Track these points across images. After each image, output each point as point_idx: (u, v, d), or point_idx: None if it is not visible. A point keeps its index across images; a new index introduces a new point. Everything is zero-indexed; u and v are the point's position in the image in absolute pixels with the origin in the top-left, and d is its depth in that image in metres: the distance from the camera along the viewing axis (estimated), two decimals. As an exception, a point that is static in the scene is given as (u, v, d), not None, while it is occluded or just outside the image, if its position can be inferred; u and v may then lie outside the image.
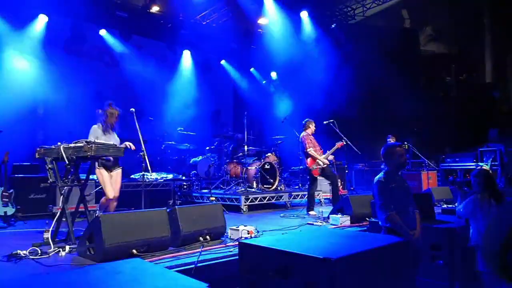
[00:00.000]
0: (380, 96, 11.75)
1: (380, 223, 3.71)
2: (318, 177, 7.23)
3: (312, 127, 7.24)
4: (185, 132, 9.80)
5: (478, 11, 12.05)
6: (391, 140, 8.85)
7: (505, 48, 11.85)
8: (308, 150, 7.00)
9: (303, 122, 7.31)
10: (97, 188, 6.17)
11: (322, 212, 6.35)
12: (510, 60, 11.95)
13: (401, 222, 3.46)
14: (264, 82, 13.79)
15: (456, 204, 5.28)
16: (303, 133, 7.19)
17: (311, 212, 6.79)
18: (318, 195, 8.79)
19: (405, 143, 9.01)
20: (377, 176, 3.73)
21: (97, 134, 4.85)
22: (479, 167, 5.87)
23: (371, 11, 12.62)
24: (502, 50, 12.03)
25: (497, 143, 9.78)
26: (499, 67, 12.33)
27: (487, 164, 8.92)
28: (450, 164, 10.12)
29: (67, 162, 4.04)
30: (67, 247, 3.83)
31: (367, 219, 5.39)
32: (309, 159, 7.04)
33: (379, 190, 3.63)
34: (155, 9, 10.83)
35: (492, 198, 3.71)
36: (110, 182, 4.87)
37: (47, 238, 3.98)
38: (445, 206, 6.31)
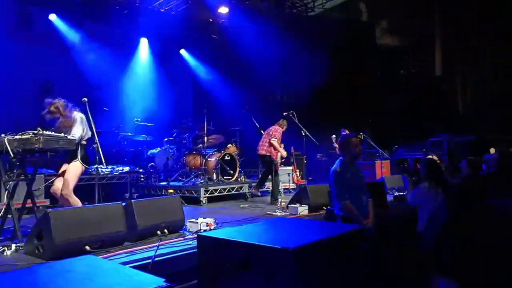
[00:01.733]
0: (337, 87, 12.02)
1: (335, 211, 3.82)
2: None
3: (285, 127, 7.60)
4: (142, 123, 9.51)
5: (430, 4, 12.58)
6: (345, 132, 9.11)
7: (454, 42, 12.50)
8: (273, 139, 7.24)
9: (282, 118, 7.67)
10: (47, 183, 5.85)
11: (281, 201, 6.44)
12: (458, 54, 12.62)
13: (355, 210, 3.59)
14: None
15: (406, 192, 5.55)
16: (277, 126, 7.50)
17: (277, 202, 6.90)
18: (278, 185, 8.91)
19: (361, 134, 9.31)
20: (333, 166, 3.83)
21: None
22: (428, 157, 6.20)
23: (331, 4, 12.83)
24: (451, 44, 12.68)
25: (445, 134, 10.37)
26: (448, 60, 13.00)
27: (435, 154, 9.44)
28: (402, 154, 10.62)
29: (12, 155, 3.77)
30: (13, 246, 3.60)
31: (324, 208, 5.54)
32: (274, 150, 7.27)
33: (335, 179, 3.73)
34: (110, -6, 10.34)
35: (439, 186, 3.91)
36: (60, 178, 4.61)
37: (-9, 237, 3.73)
38: (396, 193, 6.61)
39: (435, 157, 5.97)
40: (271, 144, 7.29)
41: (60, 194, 4.56)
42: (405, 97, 12.61)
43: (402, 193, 6.40)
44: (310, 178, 10.29)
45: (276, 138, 7.32)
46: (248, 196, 8.09)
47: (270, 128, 7.55)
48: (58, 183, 4.61)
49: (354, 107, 12.06)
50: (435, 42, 13.19)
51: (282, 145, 7.69)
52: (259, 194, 7.59)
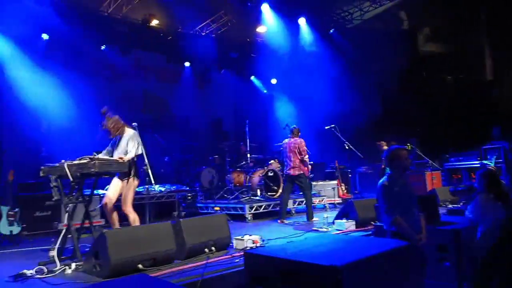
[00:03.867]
0: (381, 98, 11.75)
1: (385, 227, 3.69)
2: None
3: (299, 134, 7.16)
4: (188, 143, 9.84)
5: (475, 8, 12.06)
6: (384, 147, 8.78)
7: (503, 44, 11.84)
8: (306, 156, 6.90)
9: (293, 127, 7.15)
10: (102, 203, 6.18)
11: (327, 217, 6.33)
12: (509, 57, 11.92)
13: (406, 225, 3.45)
14: (265, 91, 13.84)
15: (450, 205, 5.21)
16: (297, 139, 7.01)
17: (315, 219, 6.76)
18: (322, 200, 8.78)
19: (408, 144, 8.98)
20: (381, 180, 3.72)
21: (107, 149, 4.92)
22: (487, 166, 5.84)
23: (369, 14, 12.65)
24: (500, 46, 12.02)
25: (500, 141, 9.72)
26: (498, 64, 12.30)
27: (491, 162, 8.87)
28: (453, 164, 10.05)
29: (71, 179, 4.05)
30: (73, 265, 3.83)
31: (372, 223, 5.37)
32: (305, 167, 6.94)
33: (383, 194, 3.62)
34: (154, 22, 10.95)
35: (498, 199, 3.66)
36: (113, 189, 4.83)
37: (53, 256, 3.97)
38: (450, 206, 6.27)
39: (491, 167, 5.61)
40: (303, 162, 6.87)
41: (111, 206, 4.78)
42: (454, 104, 12.05)
43: (456, 206, 6.06)
44: (356, 192, 10.04)
45: (307, 155, 6.91)
46: (293, 212, 8.03)
47: (291, 143, 6.93)
48: (109, 194, 4.82)
49: (400, 117, 11.68)
50: (484, 46, 12.57)
51: None
52: (286, 221, 6.87)
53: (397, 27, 13.88)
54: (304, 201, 7.14)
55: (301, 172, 6.85)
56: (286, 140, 7.14)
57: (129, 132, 4.96)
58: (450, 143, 11.08)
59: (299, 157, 6.86)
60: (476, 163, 9.40)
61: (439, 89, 12.49)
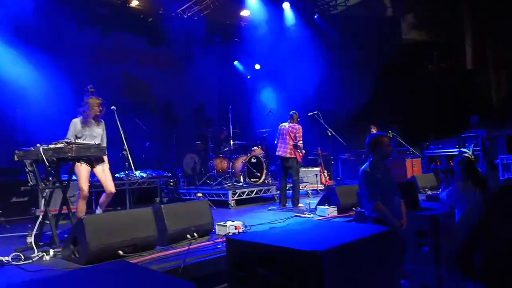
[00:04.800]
0: (364, 85, 11.80)
1: (366, 213, 3.74)
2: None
3: (298, 120, 7.23)
4: (170, 128, 9.70)
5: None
6: (373, 130, 8.93)
7: (485, 34, 12.01)
8: (300, 141, 6.95)
9: (293, 113, 7.20)
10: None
11: (309, 203, 6.38)
12: (490, 47, 12.11)
13: (387, 211, 3.49)
14: (249, 77, 13.72)
15: (439, 191, 5.35)
16: (296, 124, 7.09)
17: (300, 205, 6.79)
18: (305, 186, 8.85)
19: (390, 131, 9.09)
20: (363, 166, 3.75)
21: (76, 128, 4.71)
22: (463, 154, 5.97)
23: (353, 1, 12.61)
24: (482, 36, 12.19)
25: (479, 129, 9.95)
26: (479, 53, 12.50)
27: (469, 150, 9.09)
28: (433, 151, 10.27)
29: (47, 164, 3.93)
30: (51, 251, 3.75)
31: (353, 209, 5.44)
32: (298, 152, 6.99)
33: (365, 180, 3.65)
34: (134, 3, 10.62)
35: (476, 186, 3.75)
36: (99, 176, 4.77)
37: (30, 243, 3.88)
38: (429, 192, 6.41)
39: (468, 154, 5.73)
40: (296, 146, 6.98)
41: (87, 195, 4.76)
42: (435, 92, 12.22)
43: (435, 192, 6.19)
44: (338, 179, 10.16)
45: (301, 140, 6.99)
46: (276, 198, 8.06)
47: (289, 127, 7.06)
48: (86, 186, 4.76)
49: (382, 104, 11.80)
50: (465, 34, 12.72)
51: None
52: (287, 205, 7.02)
53: (381, 14, 13.90)
54: (292, 187, 7.18)
55: (293, 156, 6.94)
56: (285, 124, 7.18)
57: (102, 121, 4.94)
58: (430, 131, 11.27)
59: (293, 142, 6.95)
60: (454, 151, 9.62)
61: (421, 77, 12.63)
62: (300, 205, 6.77)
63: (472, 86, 12.19)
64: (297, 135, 6.96)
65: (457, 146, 9.72)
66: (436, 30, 12.96)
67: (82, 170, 4.67)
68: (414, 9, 13.24)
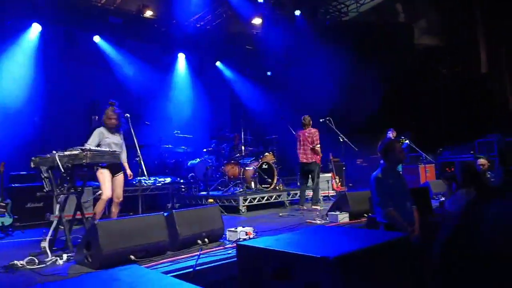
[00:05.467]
0: (376, 91, 11.74)
1: (378, 219, 3.70)
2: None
3: (311, 123, 7.48)
4: (181, 135, 9.78)
5: (470, 1, 12.03)
6: (392, 135, 8.87)
7: (499, 38, 11.85)
8: (318, 145, 7.22)
9: (305, 118, 7.46)
10: (95, 195, 6.14)
11: (321, 209, 6.34)
12: (504, 51, 11.94)
13: (399, 217, 3.46)
14: (261, 83, 13.77)
15: (444, 199, 5.27)
16: (313, 129, 7.37)
17: (319, 206, 6.92)
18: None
19: (403, 137, 9.00)
20: (375, 172, 3.73)
21: (101, 136, 4.90)
22: (478, 160, 5.86)
23: (365, 7, 12.60)
24: (495, 40, 12.03)
25: (494, 134, 9.78)
26: (493, 58, 12.33)
27: (484, 156, 8.91)
28: (447, 157, 10.12)
29: (62, 170, 4.01)
30: (65, 256, 3.80)
31: (365, 215, 5.39)
32: (317, 156, 7.28)
33: (377, 186, 3.63)
34: (148, 13, 10.80)
35: (477, 192, 3.69)
36: (111, 182, 4.88)
37: (44, 247, 3.95)
38: (443, 199, 6.30)
39: (483, 160, 5.63)
40: (315, 150, 7.24)
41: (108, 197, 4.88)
42: (449, 97, 12.07)
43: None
44: (350, 185, 10.07)
45: (319, 143, 7.26)
46: (287, 204, 8.03)
47: (306, 133, 7.36)
48: (110, 190, 4.90)
49: (395, 110, 11.70)
50: (478, 39, 12.57)
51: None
52: (306, 208, 7.30)
53: (393, 20, 13.85)
54: (313, 189, 7.45)
55: (314, 160, 7.27)
56: (302, 131, 7.46)
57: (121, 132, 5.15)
58: (444, 137, 11.12)
59: (311, 146, 7.23)
60: (469, 156, 9.46)
61: (434, 82, 12.50)
62: (318, 206, 6.84)
63: (486, 90, 12.00)
64: (314, 138, 7.25)
65: (472, 152, 9.56)
66: (448, 35, 12.84)
67: (105, 176, 4.82)
68: (426, 14, 13.15)
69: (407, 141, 8.84)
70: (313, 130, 7.34)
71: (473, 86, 12.04)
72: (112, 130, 5.00)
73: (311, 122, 7.48)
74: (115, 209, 5.00)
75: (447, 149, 10.42)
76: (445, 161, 10.13)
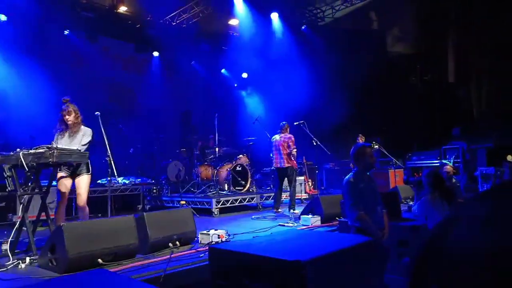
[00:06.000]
0: (348, 96, 11.98)
1: (349, 222, 3.76)
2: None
3: (288, 130, 7.49)
4: (154, 135, 9.60)
5: (442, 11, 12.48)
6: (360, 140, 9.04)
7: (467, 48, 12.36)
8: (294, 150, 7.21)
9: (283, 124, 7.49)
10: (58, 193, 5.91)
11: (293, 212, 6.38)
12: (472, 61, 12.45)
13: (370, 221, 3.52)
14: (236, 85, 13.76)
15: (412, 203, 5.44)
16: (288, 134, 7.37)
17: (297, 211, 6.85)
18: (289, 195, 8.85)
19: (374, 142, 9.22)
20: (347, 177, 3.78)
21: (56, 139, 4.64)
22: (445, 165, 6.08)
23: (340, 13, 12.83)
24: (464, 50, 12.54)
25: (459, 141, 10.17)
26: (461, 67, 12.84)
27: (450, 162, 9.26)
28: (415, 162, 10.44)
29: (26, 169, 3.83)
30: (27, 259, 3.63)
31: (337, 218, 5.47)
32: (293, 160, 7.26)
33: (349, 190, 3.68)
34: (122, 9, 10.55)
35: (443, 198, 3.82)
36: (65, 185, 4.60)
37: (6, 250, 3.76)
38: (411, 203, 6.48)
39: (449, 167, 5.84)
40: (290, 155, 7.23)
41: (65, 202, 4.62)
42: (418, 104, 12.47)
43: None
44: (322, 188, 10.21)
45: (295, 148, 7.26)
46: (260, 207, 8.04)
47: (281, 139, 7.33)
48: (66, 191, 4.62)
49: (366, 115, 11.97)
50: (447, 49, 13.07)
51: None
52: (281, 210, 7.30)
53: (367, 27, 14.19)
54: (289, 194, 7.47)
55: (289, 165, 7.25)
56: (277, 136, 7.46)
57: (85, 128, 4.77)
58: (413, 142, 11.47)
59: (287, 151, 7.22)
60: (436, 162, 9.80)
61: (404, 89, 12.89)
62: (296, 211, 6.84)
63: (454, 98, 12.49)
64: (290, 144, 7.24)
65: (439, 158, 9.91)
66: (420, 43, 13.27)
67: (61, 176, 4.60)
68: (399, 23, 13.55)
69: (376, 146, 9.06)
70: (288, 135, 7.34)
71: (441, 94, 12.49)
72: (63, 132, 4.65)
73: (288, 128, 7.48)
74: (80, 215, 4.75)
75: (415, 154, 10.75)
76: (413, 166, 10.45)
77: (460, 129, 11.06)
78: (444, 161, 9.56)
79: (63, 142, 4.60)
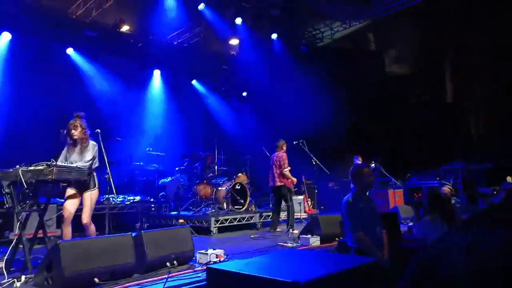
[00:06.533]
0: (348, 117, 12.06)
1: (349, 243, 3.73)
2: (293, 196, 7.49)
3: (285, 148, 7.46)
4: (154, 153, 9.61)
5: (440, 33, 12.70)
6: (359, 160, 9.05)
7: (465, 69, 12.51)
8: (286, 169, 7.16)
9: (278, 142, 7.47)
10: (59, 213, 5.88)
11: (292, 232, 6.33)
12: (470, 83, 12.59)
13: (369, 242, 3.50)
14: (236, 104, 13.88)
15: (411, 224, 5.40)
16: (281, 153, 7.33)
17: (295, 231, 6.77)
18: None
19: (373, 162, 9.22)
20: (345, 197, 3.78)
21: (63, 156, 4.64)
22: (445, 186, 6.07)
23: (339, 34, 13.05)
24: (462, 71, 12.70)
25: (458, 162, 10.19)
26: (459, 89, 12.97)
27: (449, 182, 9.25)
28: (415, 183, 10.42)
29: (25, 186, 3.82)
30: (23, 277, 3.58)
31: (336, 239, 5.42)
32: (287, 179, 7.19)
33: (348, 210, 3.67)
34: (125, 28, 10.73)
35: (443, 218, 3.80)
36: (68, 210, 4.53)
37: (1, 268, 3.72)
38: (411, 224, 6.44)
39: (448, 187, 5.84)
40: (284, 175, 7.19)
41: (71, 219, 4.54)
42: (417, 124, 12.54)
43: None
44: (322, 207, 10.15)
45: (287, 168, 7.22)
46: (259, 226, 7.98)
47: (275, 157, 7.35)
48: (70, 208, 4.54)
49: (365, 135, 12.02)
50: (446, 70, 13.24)
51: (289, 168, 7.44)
52: (280, 230, 7.22)
53: (365, 48, 14.40)
54: (287, 213, 7.39)
55: (282, 184, 7.18)
56: (273, 154, 7.47)
57: (91, 143, 4.77)
58: (413, 162, 11.48)
59: (279, 170, 7.18)
60: (435, 183, 9.78)
61: (403, 110, 12.97)
62: (295, 231, 6.77)
63: (452, 119, 12.56)
64: (281, 163, 7.19)
65: (438, 178, 9.90)
66: (417, 64, 13.44)
67: (67, 193, 4.56)
68: (396, 44, 13.77)
69: (373, 165, 9.06)
70: (281, 154, 7.30)
71: (439, 115, 12.57)
72: (70, 147, 4.66)
73: (284, 146, 7.45)
74: (87, 232, 4.67)
75: (415, 174, 10.75)
76: (413, 186, 10.42)
77: (459, 150, 11.10)
78: (443, 181, 9.54)
79: (74, 158, 4.61)
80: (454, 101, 13.04)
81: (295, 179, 7.48)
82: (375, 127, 12.06)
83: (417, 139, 11.99)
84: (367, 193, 3.84)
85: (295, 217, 8.79)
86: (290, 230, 6.90)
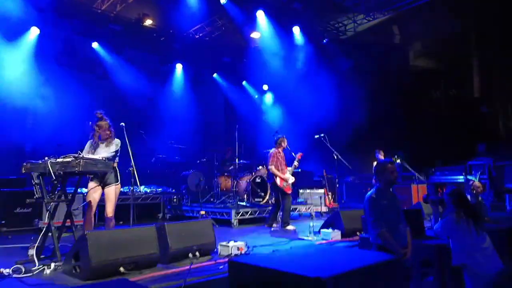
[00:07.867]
0: (371, 110, 11.85)
1: (371, 239, 3.69)
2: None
3: (283, 144, 7.13)
4: (176, 145, 9.74)
5: (466, 26, 12.28)
6: (380, 155, 8.91)
7: (492, 63, 12.08)
8: (270, 166, 6.88)
9: (276, 138, 7.17)
10: (84, 203, 6.06)
11: (313, 226, 6.31)
12: (497, 77, 12.16)
13: (392, 239, 3.45)
14: (256, 97, 13.86)
15: (431, 221, 5.25)
16: (273, 150, 7.06)
17: (289, 227, 6.68)
18: (309, 208, 8.78)
19: (395, 157, 9.05)
20: (369, 192, 3.73)
21: (86, 149, 4.80)
22: (471, 182, 5.90)
23: (362, 27, 12.79)
24: (489, 65, 12.26)
25: (485, 157, 9.88)
26: (486, 83, 12.54)
27: (475, 178, 9.00)
28: (439, 177, 10.18)
29: (53, 177, 3.95)
30: (52, 265, 3.73)
31: (357, 233, 5.38)
32: (276, 176, 6.86)
33: (371, 206, 3.62)
34: (148, 22, 10.86)
35: (469, 217, 3.70)
36: (93, 197, 4.73)
37: (32, 255, 3.87)
38: (429, 223, 6.30)
39: (476, 182, 5.66)
40: (272, 171, 6.89)
41: (94, 210, 4.72)
42: (442, 119, 12.22)
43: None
44: (342, 201, 10.08)
45: (272, 165, 6.85)
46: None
47: (268, 153, 7.08)
48: (95, 199, 4.76)
49: (389, 129, 11.80)
50: (472, 64, 12.81)
51: (287, 168, 7.05)
52: (275, 226, 6.94)
53: (389, 41, 14.06)
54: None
55: (272, 180, 6.95)
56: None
57: (116, 140, 4.95)
58: (437, 157, 11.21)
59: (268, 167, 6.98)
60: (460, 178, 9.54)
61: (427, 104, 12.66)
62: (288, 227, 6.64)
63: (479, 114, 12.17)
64: (268, 160, 6.91)
65: (464, 173, 9.64)
66: (443, 58, 13.04)
67: (89, 185, 4.76)
68: (421, 37, 13.38)
69: (398, 161, 8.88)
70: (270, 151, 7.04)
71: (466, 109, 12.21)
72: (96, 143, 4.85)
73: (282, 143, 7.08)
74: (107, 225, 4.84)
75: (439, 169, 10.50)
76: (437, 181, 10.19)
77: (486, 145, 10.75)
78: (469, 177, 9.29)
79: (99, 152, 4.78)
80: (481, 95, 12.61)
81: (287, 177, 6.91)
82: (399, 120, 11.81)
83: (443, 133, 11.69)
84: (391, 189, 3.77)
85: (315, 210, 8.79)
86: (286, 227, 6.63)
